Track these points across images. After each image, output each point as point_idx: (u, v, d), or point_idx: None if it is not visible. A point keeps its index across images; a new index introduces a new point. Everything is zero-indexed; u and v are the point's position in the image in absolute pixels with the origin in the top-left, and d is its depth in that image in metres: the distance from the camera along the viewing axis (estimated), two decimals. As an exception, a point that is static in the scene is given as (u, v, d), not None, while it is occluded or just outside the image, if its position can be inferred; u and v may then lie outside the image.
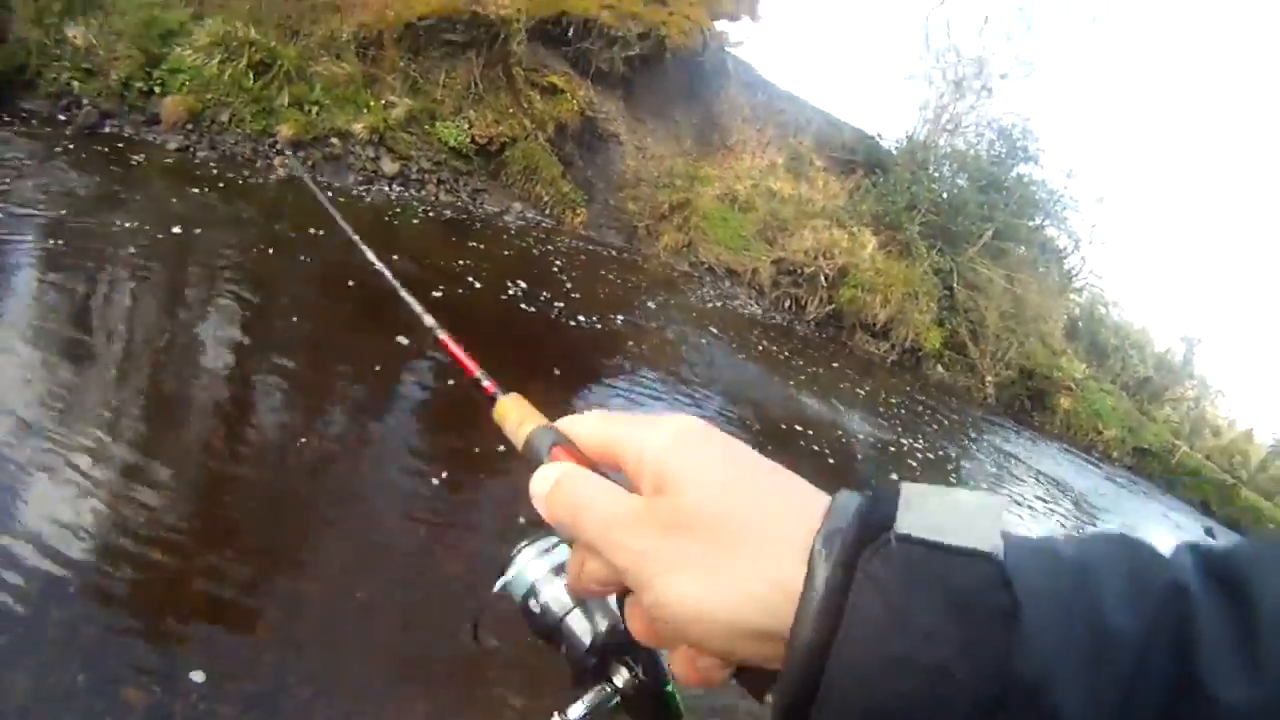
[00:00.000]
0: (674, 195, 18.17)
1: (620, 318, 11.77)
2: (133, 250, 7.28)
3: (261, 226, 9.15)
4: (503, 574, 0.85)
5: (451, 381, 7.20)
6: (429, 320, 1.04)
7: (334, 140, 12.44)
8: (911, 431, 13.59)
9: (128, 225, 7.73)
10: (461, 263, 10.64)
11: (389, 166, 13.10)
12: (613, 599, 0.72)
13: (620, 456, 0.63)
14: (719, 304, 16.61)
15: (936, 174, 23.22)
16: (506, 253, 12.48)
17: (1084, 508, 15.06)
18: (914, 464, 11.65)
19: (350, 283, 8.28)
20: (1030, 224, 23.96)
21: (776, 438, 9.85)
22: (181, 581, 3.94)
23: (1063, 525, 13.17)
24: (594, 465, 0.66)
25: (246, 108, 11.54)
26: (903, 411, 15.29)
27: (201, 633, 3.72)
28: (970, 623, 0.45)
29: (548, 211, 15.55)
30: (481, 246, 12.06)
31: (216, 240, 8.24)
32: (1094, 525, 14.34)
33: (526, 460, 0.71)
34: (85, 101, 10.35)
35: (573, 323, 10.43)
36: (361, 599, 4.25)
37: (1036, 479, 15.56)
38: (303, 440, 5.52)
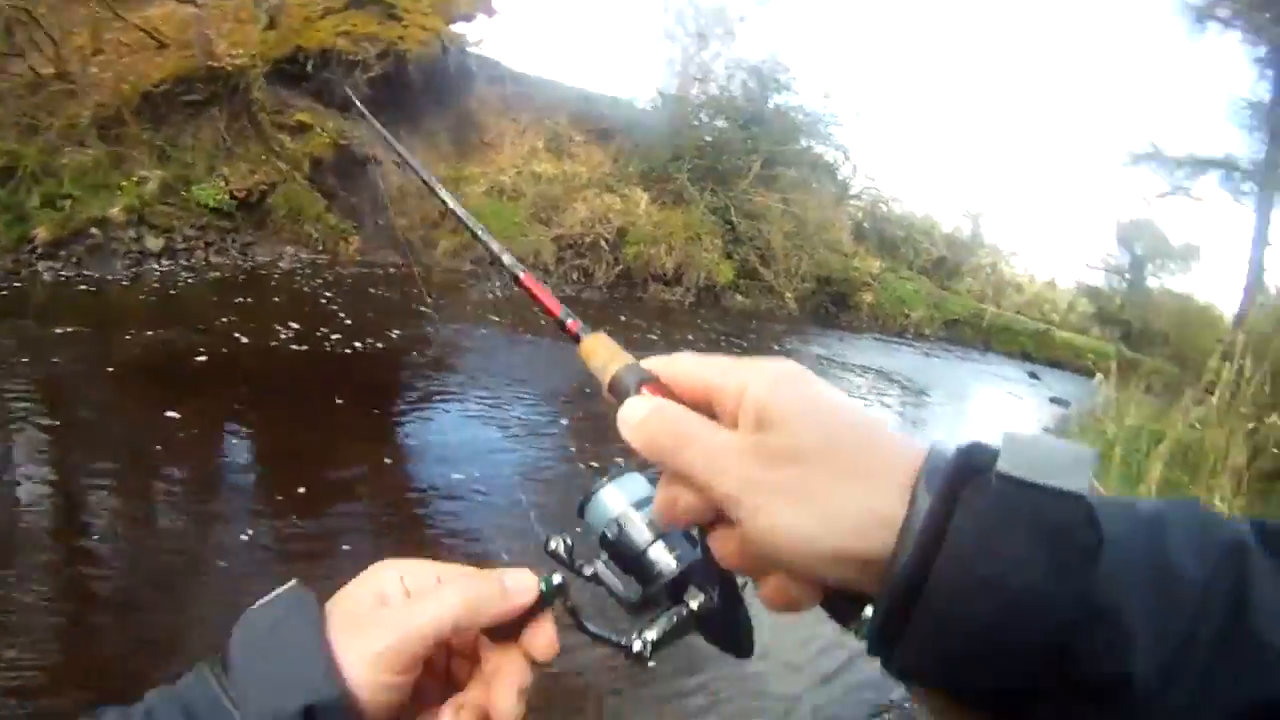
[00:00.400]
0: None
1: (399, 332, 11.90)
2: None
3: (41, 336, 9.02)
4: (584, 509, 0.83)
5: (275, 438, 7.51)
6: (508, 259, 1.04)
7: (94, 231, 12.35)
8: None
9: None
10: (228, 319, 10.57)
11: (153, 243, 13.05)
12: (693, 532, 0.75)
13: (716, 395, 0.65)
14: (505, 293, 16.67)
15: (695, 122, 24.12)
16: (276, 299, 12.51)
17: (913, 386, 16.46)
18: None
19: (135, 362, 8.62)
20: (796, 147, 25.07)
21: (575, 401, 10.20)
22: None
23: (898, 408, 14.42)
24: (684, 402, 0.68)
25: None
26: (708, 342, 16.07)
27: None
28: (1058, 553, 0.50)
29: (320, 248, 15.64)
30: (250, 300, 12.06)
31: (3, 359, 8.17)
32: (927, 398, 15.71)
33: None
34: None
35: (349, 350, 10.51)
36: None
37: (860, 371, 16.72)
38: (147, 527, 5.77)
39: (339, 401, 8.89)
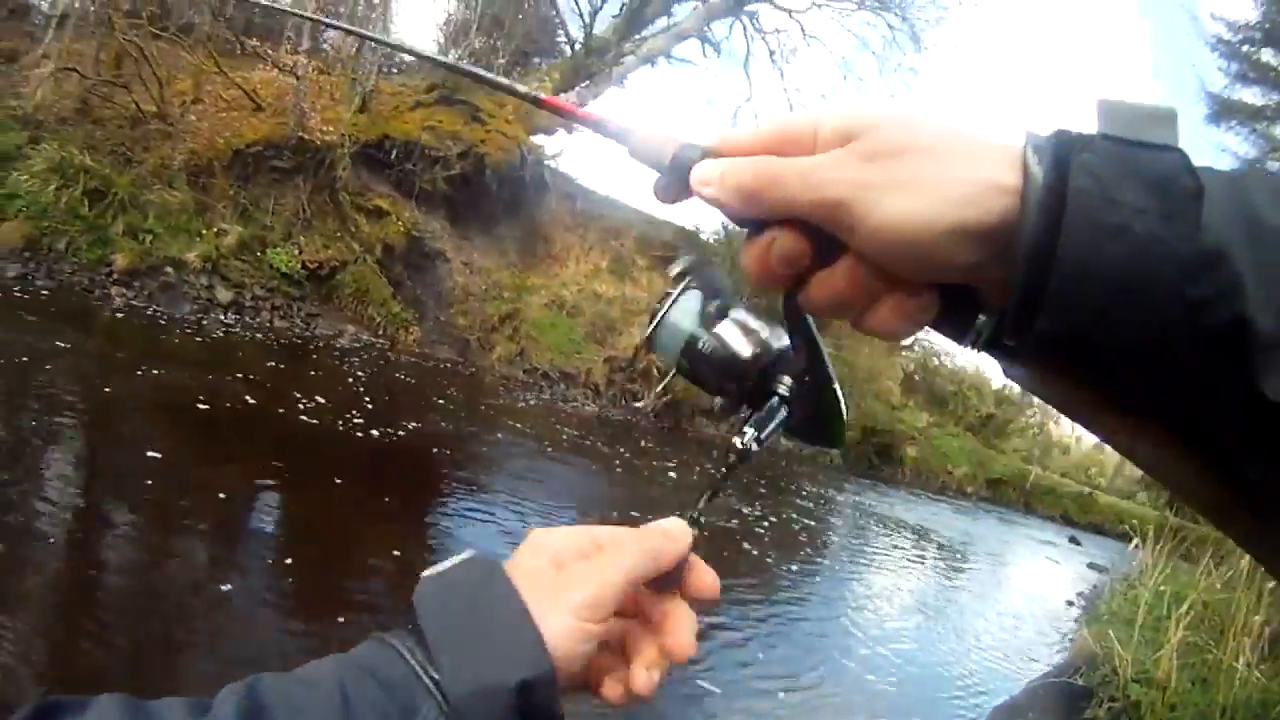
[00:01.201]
0: (502, 307, 18.61)
1: (442, 425, 11.91)
2: None
3: (101, 356, 9.16)
4: (652, 333, 0.82)
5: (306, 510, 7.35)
6: (522, 88, 0.91)
7: (168, 269, 12.46)
8: (761, 504, 13.69)
9: None
10: (280, 382, 10.71)
11: (223, 295, 13.14)
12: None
13: (784, 146, 0.63)
14: (561, 405, 17.06)
15: (756, 259, 24.04)
16: (329, 373, 12.46)
17: (950, 545, 15.92)
18: (762, 532, 11.74)
19: (198, 407, 8.46)
20: (856, 296, 25.00)
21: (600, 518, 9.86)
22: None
23: (936, 568, 13.87)
24: (750, 204, 0.64)
25: (83, 236, 11.57)
26: (740, 489, 15.45)
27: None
28: (1169, 199, 0.51)
29: (380, 332, 15.66)
30: (305, 369, 12.14)
31: (63, 370, 8.23)
32: (964, 560, 15.04)
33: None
34: (-83, 229, 10.20)
35: (385, 435, 10.25)
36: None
37: (898, 526, 16.24)
38: (159, 575, 5.48)
39: (386, 500, 8.53)
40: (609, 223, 23.18)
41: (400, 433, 10.49)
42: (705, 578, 0.77)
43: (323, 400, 10.49)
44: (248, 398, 9.48)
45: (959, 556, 15.39)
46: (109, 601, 5.06)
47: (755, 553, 10.56)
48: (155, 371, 9.29)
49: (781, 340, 0.77)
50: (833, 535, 14.22)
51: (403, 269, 16.98)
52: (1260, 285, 0.50)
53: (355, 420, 10.14)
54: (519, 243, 20.98)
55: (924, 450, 24.48)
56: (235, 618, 5.28)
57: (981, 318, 0.62)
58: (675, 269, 0.84)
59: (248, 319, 13.33)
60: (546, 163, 21.11)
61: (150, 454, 7.22)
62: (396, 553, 6.90)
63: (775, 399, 0.78)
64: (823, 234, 0.61)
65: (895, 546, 14.38)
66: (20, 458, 6.43)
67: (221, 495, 6.99)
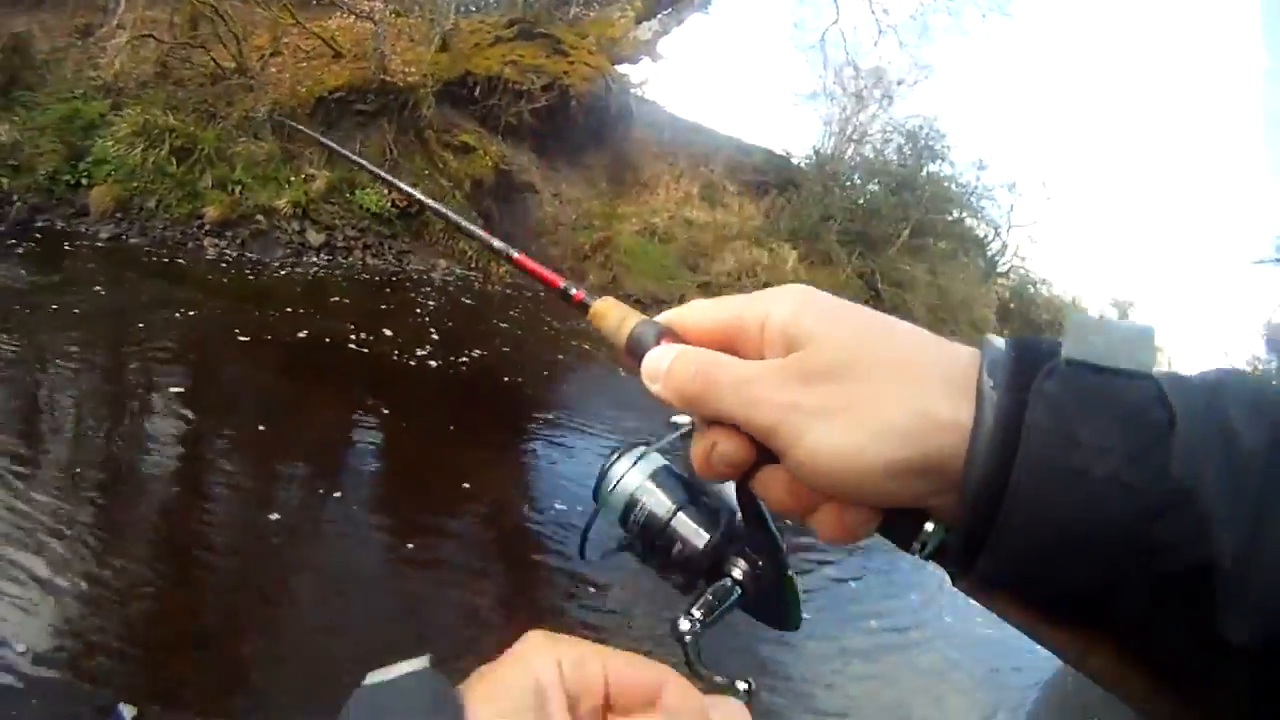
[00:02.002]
0: (593, 235, 18.64)
1: (539, 356, 12.20)
2: (74, 340, 7.53)
3: (198, 305, 9.37)
4: (598, 490, 0.81)
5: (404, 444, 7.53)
6: (498, 244, 1.00)
7: (259, 217, 12.72)
8: None
9: (66, 316, 8.02)
10: (373, 319, 10.81)
11: (315, 238, 13.37)
12: (729, 488, 0.72)
13: (736, 334, 0.64)
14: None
15: (848, 183, 23.94)
16: (423, 307, 12.67)
17: None
18: None
19: (296, 343, 8.83)
20: (947, 218, 24.73)
21: None
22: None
23: None
24: (685, 402, 0.65)
25: (172, 193, 11.86)
26: None
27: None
28: (1136, 436, 0.49)
29: (473, 265, 15.80)
30: (397, 305, 12.32)
31: (157, 324, 8.47)
32: None
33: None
34: (15, 198, 10.71)
35: (484, 368, 10.51)
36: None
37: None
38: (270, 517, 5.60)
39: (464, 417, 8.86)
40: (697, 149, 22.97)
41: (489, 361, 10.74)
42: None
43: (416, 333, 10.76)
44: (345, 334, 9.76)
45: None
46: (218, 521, 5.45)
47: None
48: (255, 313, 9.64)
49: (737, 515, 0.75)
50: None
51: (492, 202, 16.94)
52: (1228, 522, 0.48)
53: (446, 353, 10.36)
54: (607, 172, 20.93)
55: None
56: (333, 541, 5.65)
57: (929, 527, 0.59)
58: (633, 450, 0.82)
59: (340, 259, 13.53)
60: (632, 91, 20.92)
61: (254, 390, 7.85)
62: (467, 485, 7.04)
63: (729, 581, 0.75)
64: None
65: None
66: (132, 398, 6.87)
67: (321, 426, 7.43)
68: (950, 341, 0.59)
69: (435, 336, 10.70)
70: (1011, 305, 28.26)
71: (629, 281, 18.16)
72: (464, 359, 10.29)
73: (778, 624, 0.80)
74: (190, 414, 6.82)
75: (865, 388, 0.56)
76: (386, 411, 8.07)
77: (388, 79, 15.21)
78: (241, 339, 8.81)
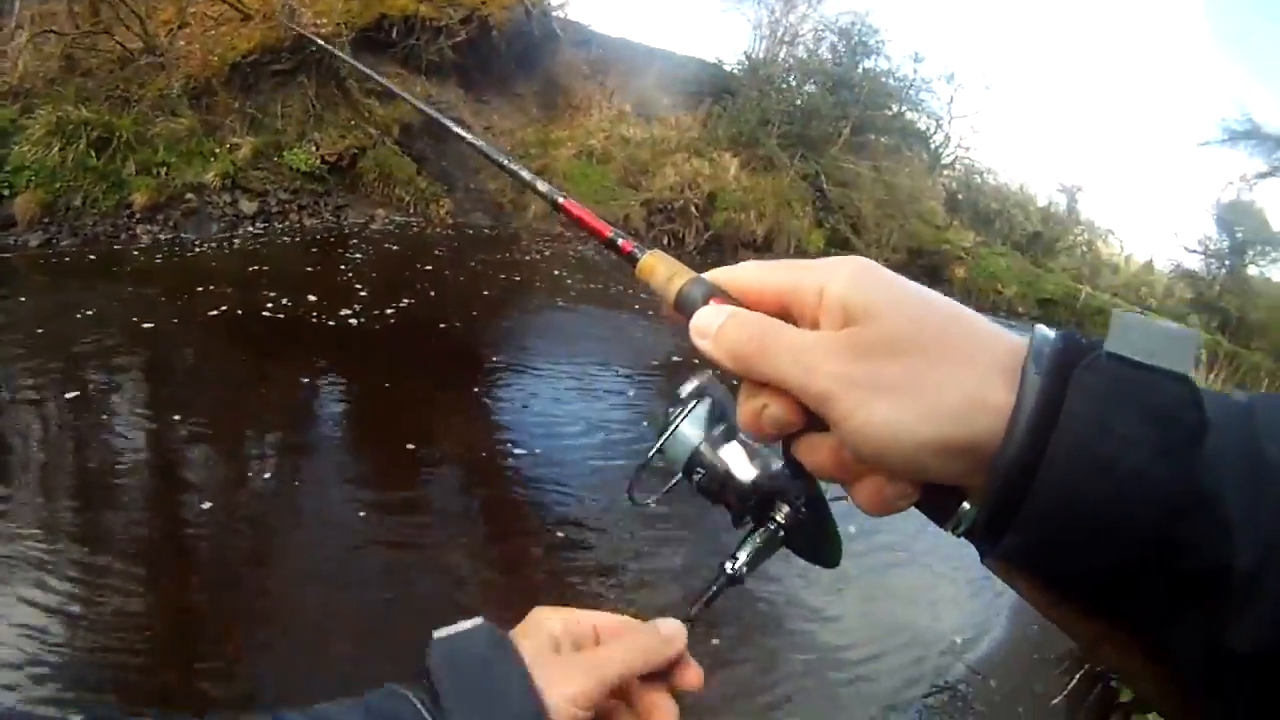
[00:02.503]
0: (531, 164, 18.04)
1: (487, 292, 12.29)
2: (18, 353, 7.43)
3: (138, 296, 9.32)
4: (660, 440, 0.84)
5: (362, 405, 7.63)
6: (544, 186, 1.06)
7: (189, 196, 12.59)
8: None
9: (6, 331, 7.93)
10: (318, 280, 10.99)
11: (248, 206, 13.30)
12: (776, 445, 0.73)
13: (791, 300, 0.65)
14: (601, 255, 16.86)
15: (783, 85, 23.70)
16: (365, 260, 12.72)
17: None
18: None
19: (235, 330, 8.76)
20: (887, 113, 24.59)
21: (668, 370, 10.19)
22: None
23: None
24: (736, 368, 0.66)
25: (96, 187, 11.67)
26: None
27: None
28: (1167, 434, 0.50)
29: (411, 210, 15.83)
30: (340, 261, 12.35)
31: (95, 323, 8.35)
32: None
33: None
34: (-67, 224, 10.43)
35: (435, 314, 10.64)
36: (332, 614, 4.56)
37: None
38: (241, 503, 5.66)
39: (423, 365, 9.04)
40: (627, 66, 22.76)
41: (437, 306, 10.91)
42: (691, 675, 0.82)
43: (360, 287, 10.85)
44: (284, 300, 9.77)
45: None
46: (187, 515, 5.39)
47: None
48: (199, 291, 9.63)
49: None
50: None
51: (424, 144, 16.96)
52: (1247, 529, 0.49)
53: (394, 302, 10.50)
54: (538, 98, 20.81)
55: (972, 270, 23.89)
56: (310, 523, 5.65)
57: (965, 506, 0.61)
58: (687, 389, 0.85)
59: (276, 224, 13.53)
60: (554, 14, 20.63)
61: (208, 371, 7.94)
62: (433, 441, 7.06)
63: (773, 525, 0.81)
64: None
65: None
66: (85, 403, 6.75)
67: (274, 403, 7.45)
68: (1000, 326, 0.61)
69: (363, 292, 10.69)
70: (959, 196, 28.51)
71: (571, 207, 18.11)
72: (390, 310, 10.28)
73: (820, 561, 0.84)
74: (142, 409, 6.84)
75: (922, 367, 0.57)
76: (336, 376, 8.20)
77: (301, 33, 14.84)
78: (179, 323, 8.80)
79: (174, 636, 4.28)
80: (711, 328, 0.65)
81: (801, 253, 19.86)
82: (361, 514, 5.69)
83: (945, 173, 28.44)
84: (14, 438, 6.11)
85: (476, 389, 8.61)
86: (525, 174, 1.10)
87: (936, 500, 0.62)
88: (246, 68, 14.52)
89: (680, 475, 0.85)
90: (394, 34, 16.91)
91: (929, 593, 6.39)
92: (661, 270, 0.77)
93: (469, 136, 1.19)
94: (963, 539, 0.63)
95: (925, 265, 23.47)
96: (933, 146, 27.64)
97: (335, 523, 5.60)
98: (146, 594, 4.58)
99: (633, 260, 0.82)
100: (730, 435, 0.83)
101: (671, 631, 0.81)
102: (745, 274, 0.69)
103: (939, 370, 0.57)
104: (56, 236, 11.11)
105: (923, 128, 26.93)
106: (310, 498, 5.97)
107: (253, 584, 4.88)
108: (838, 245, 21.77)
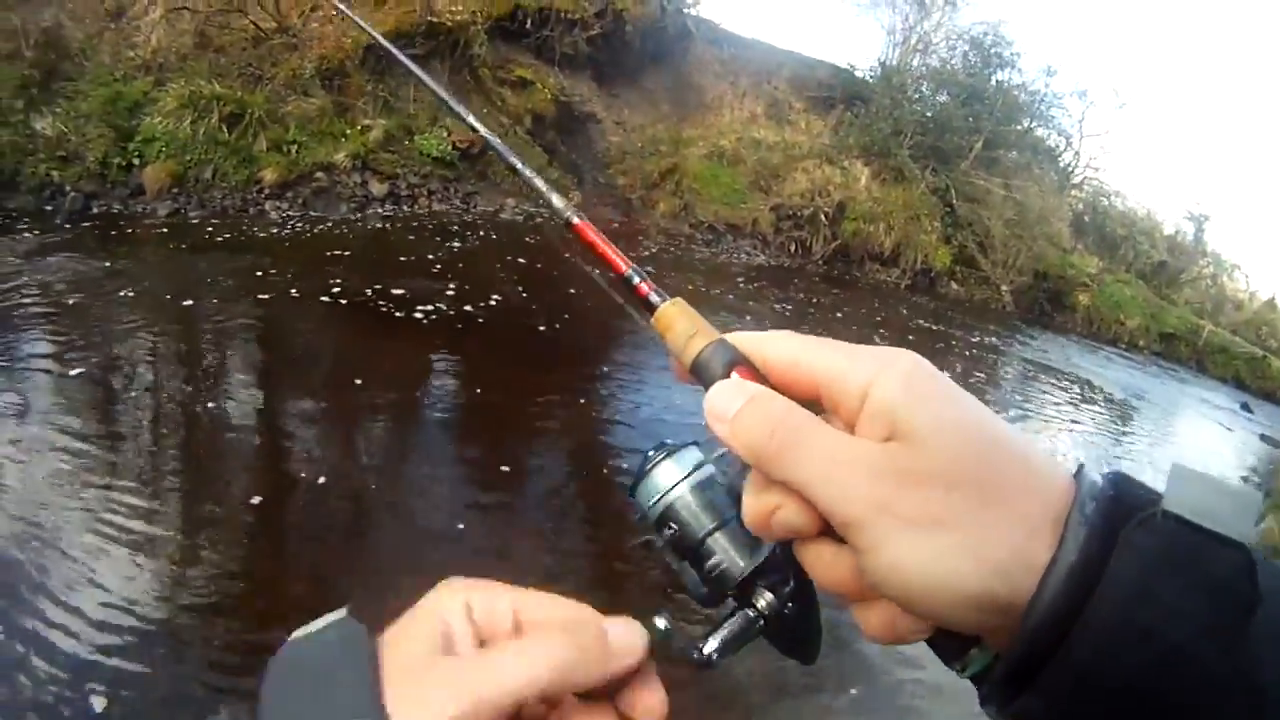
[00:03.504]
0: (661, 162, 18.34)
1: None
2: (143, 321, 7.38)
3: (264, 270, 9.20)
4: (637, 483, 0.74)
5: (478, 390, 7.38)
6: (558, 200, 0.85)
7: (319, 175, 12.52)
8: (941, 352, 13.66)
9: (134, 299, 7.82)
10: (445, 265, 10.81)
11: (377, 188, 13.19)
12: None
13: (830, 389, 0.57)
14: (729, 258, 17.01)
15: (916, 95, 23.12)
16: (495, 249, 12.61)
17: (1118, 403, 14.93)
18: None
19: (362, 312, 8.54)
20: (1018, 128, 23.84)
21: None
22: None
23: (1102, 426, 13.07)
24: (783, 392, 0.59)
25: (227, 161, 11.59)
26: (917, 330, 15.42)
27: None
28: (1217, 608, 0.45)
29: (540, 201, 15.41)
30: (469, 247, 12.23)
31: (221, 297, 8.30)
32: (1132, 419, 14.23)
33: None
34: (68, 188, 10.44)
35: (559, 306, 10.44)
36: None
37: (1068, 379, 15.43)
38: (346, 484, 5.61)
39: (542, 358, 8.87)
40: (759, 66, 22.42)
41: (560, 296, 10.81)
42: (652, 698, 0.58)
43: (507, 276, 10.95)
44: (405, 282, 9.61)
45: (1129, 415, 14.48)
46: (298, 488, 5.40)
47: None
48: (318, 274, 9.43)
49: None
50: (1003, 388, 13.75)
51: (555, 135, 16.95)
52: None
53: (521, 293, 10.50)
54: (670, 95, 20.57)
55: (1096, 298, 23.05)
56: (438, 502, 5.66)
57: (975, 650, 0.54)
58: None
59: (405, 207, 13.47)
60: (687, 11, 20.51)
61: (320, 353, 7.86)
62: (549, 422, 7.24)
63: (752, 614, 0.69)
64: None
65: (1064, 402, 13.71)
66: (206, 376, 6.84)
67: (391, 386, 7.29)
68: (1056, 463, 0.54)
69: (482, 282, 10.43)
70: (1086, 219, 27.63)
71: (700, 208, 17.95)
72: (503, 300, 10.05)
73: (796, 655, 0.74)
74: (262, 385, 6.83)
75: (971, 506, 0.50)
76: (454, 362, 8.16)
77: (435, 19, 14.90)
78: (304, 301, 8.66)
79: (273, 612, 4.27)
80: (729, 411, 0.57)
81: (928, 269, 19.88)
82: (468, 501, 5.79)
83: (1073, 193, 27.55)
84: (134, 407, 6.15)
85: (589, 385, 8.43)
86: (539, 182, 0.83)
87: (947, 640, 0.56)
88: (380, 51, 14.36)
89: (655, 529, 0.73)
90: (528, 24, 16.79)
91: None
92: (681, 325, 0.66)
93: (490, 137, 0.94)
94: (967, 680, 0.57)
95: (1049, 290, 22.78)
96: (1062, 165, 26.88)
97: (428, 495, 5.73)
98: (248, 573, 4.56)
99: (650, 307, 0.69)
100: (721, 517, 0.70)
101: (623, 640, 0.57)
102: (779, 346, 0.60)
103: (989, 512, 0.50)
104: (185, 207, 11.04)
105: (1052, 145, 26.27)
106: (418, 482, 5.98)
107: (355, 570, 4.83)
108: (965, 263, 21.30)
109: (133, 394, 6.28)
